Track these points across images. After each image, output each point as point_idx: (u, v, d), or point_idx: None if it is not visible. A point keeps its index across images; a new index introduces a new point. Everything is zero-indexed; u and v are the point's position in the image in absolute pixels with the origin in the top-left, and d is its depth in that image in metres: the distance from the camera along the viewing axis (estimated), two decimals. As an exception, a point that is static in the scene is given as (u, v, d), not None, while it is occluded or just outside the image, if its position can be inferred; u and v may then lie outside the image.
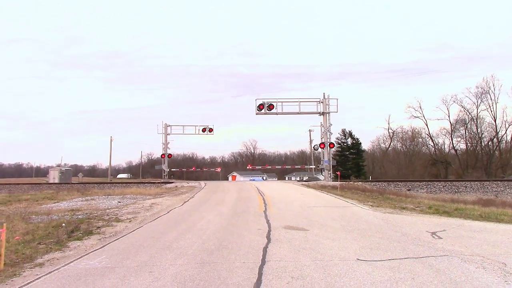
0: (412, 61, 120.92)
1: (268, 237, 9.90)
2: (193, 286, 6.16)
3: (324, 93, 34.53)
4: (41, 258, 8.62)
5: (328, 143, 33.26)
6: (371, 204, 17.52)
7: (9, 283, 6.77)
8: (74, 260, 8.19)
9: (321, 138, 33.99)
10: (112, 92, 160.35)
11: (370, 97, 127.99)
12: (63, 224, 12.54)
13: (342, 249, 8.66)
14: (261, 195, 21.21)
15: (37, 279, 6.93)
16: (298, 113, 35.31)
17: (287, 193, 23.00)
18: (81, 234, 11.13)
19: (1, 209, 20.27)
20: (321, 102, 34.48)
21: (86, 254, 8.72)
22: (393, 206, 16.64)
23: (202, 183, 33.37)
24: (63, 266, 7.73)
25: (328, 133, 33.62)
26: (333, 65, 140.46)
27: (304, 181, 35.76)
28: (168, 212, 15.51)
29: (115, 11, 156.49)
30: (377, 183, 32.57)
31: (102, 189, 31.83)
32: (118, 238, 10.46)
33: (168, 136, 45.77)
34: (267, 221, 12.45)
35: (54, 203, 21.98)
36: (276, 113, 35.12)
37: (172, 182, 36.79)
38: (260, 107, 34.49)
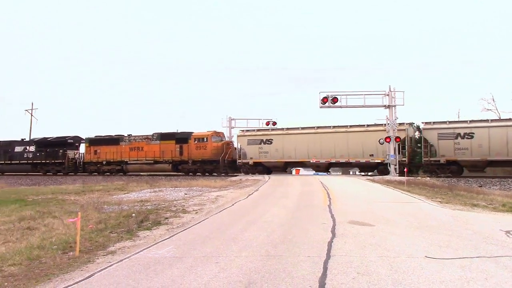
0: (484, 53, 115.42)
1: (333, 232, 9.82)
2: (259, 278, 6.22)
3: (389, 86, 33.57)
4: (113, 246, 9.02)
5: (394, 137, 32.43)
6: (440, 200, 16.96)
7: (84, 269, 7.14)
8: (144, 249, 8.49)
9: (387, 132, 33.18)
10: (177, 85, 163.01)
11: (438, 91, 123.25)
12: (133, 214, 13.03)
13: (409, 245, 8.45)
14: (325, 189, 21.05)
15: (109, 266, 7.26)
16: (362, 106, 34.52)
17: (351, 187, 22.70)
18: (150, 224, 11.52)
19: (76, 199, 21.38)
20: (387, 95, 33.57)
21: (155, 244, 9.02)
22: (464, 203, 16.01)
23: (266, 176, 33.49)
24: (133, 255, 8.04)
25: (394, 127, 32.79)
26: (399, 58, 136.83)
27: (369, 175, 35.11)
28: (233, 204, 15.73)
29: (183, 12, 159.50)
30: (446, 179, 31.44)
31: (170, 181, 32.66)
32: (185, 229, 10.74)
33: (232, 129, 46.31)
34: (332, 216, 12.35)
35: (124, 193, 22.84)
36: (340, 106, 34.46)
37: (237, 175, 37.23)
38: (324, 100, 33.97)
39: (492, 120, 32.55)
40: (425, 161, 32.96)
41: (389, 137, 32.64)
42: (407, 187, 22.37)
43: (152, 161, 42.08)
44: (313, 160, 36.67)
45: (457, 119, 33.71)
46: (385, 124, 34.19)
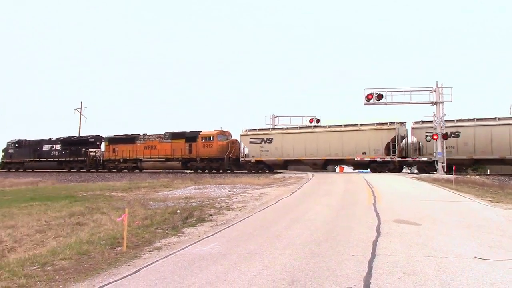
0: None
1: (378, 230, 9.67)
2: (302, 276, 6.20)
3: (437, 82, 32.76)
4: (159, 242, 9.19)
5: (442, 134, 31.63)
6: (490, 199, 16.40)
7: (131, 264, 7.31)
8: (189, 246, 8.61)
9: (434, 129, 32.40)
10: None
11: (486, 87, 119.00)
12: (178, 211, 13.24)
13: (457, 246, 8.22)
14: (370, 187, 20.75)
15: (155, 261, 7.40)
16: (408, 103, 33.76)
17: (397, 185, 22.28)
18: (194, 221, 11.68)
19: (123, 196, 21.92)
20: (434, 91, 32.71)
21: (199, 240, 9.13)
22: (516, 202, 15.43)
23: (310, 174, 33.31)
24: (178, 251, 8.17)
25: (441, 124, 31.99)
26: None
27: (415, 173, 34.39)
28: (277, 202, 15.73)
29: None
30: (496, 177, 30.42)
31: (214, 178, 32.98)
32: (229, 226, 10.82)
33: (275, 126, 46.23)
34: (377, 214, 12.16)
35: (170, 190, 23.24)
36: (385, 103, 33.81)
37: (280, 173, 37.32)
38: (369, 97, 33.40)
39: (477, 120, 32.85)
40: (414, 160, 34.16)
41: (436, 134, 31.86)
42: (455, 186, 21.78)
43: (164, 159, 43.91)
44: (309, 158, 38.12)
45: (445, 119, 33.73)
46: (376, 124, 35.94)
